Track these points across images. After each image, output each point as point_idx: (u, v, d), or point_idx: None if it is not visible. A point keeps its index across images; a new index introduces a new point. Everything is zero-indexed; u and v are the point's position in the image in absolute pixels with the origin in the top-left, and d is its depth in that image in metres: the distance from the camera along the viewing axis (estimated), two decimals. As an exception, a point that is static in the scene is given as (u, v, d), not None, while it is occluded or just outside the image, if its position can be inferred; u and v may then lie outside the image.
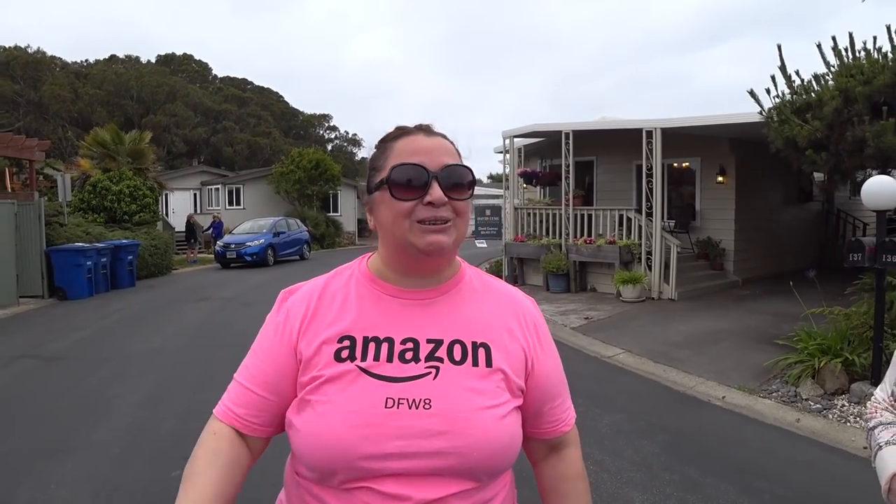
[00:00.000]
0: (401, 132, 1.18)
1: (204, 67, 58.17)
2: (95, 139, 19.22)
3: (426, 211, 1.10)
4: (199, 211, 29.15)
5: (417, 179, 1.11)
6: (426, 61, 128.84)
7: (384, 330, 1.14)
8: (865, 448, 1.99)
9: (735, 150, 12.35)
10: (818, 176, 12.91)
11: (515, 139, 13.95)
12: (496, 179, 50.73)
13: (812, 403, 5.41)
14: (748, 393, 5.80)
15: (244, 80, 58.47)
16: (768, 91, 7.05)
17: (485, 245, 15.71)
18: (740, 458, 4.43)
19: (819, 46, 6.66)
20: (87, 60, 53.27)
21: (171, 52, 56.99)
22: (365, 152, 65.34)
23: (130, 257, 15.10)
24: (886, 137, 5.72)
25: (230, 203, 30.48)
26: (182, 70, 55.72)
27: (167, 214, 26.55)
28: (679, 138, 11.71)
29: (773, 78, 6.96)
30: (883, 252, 5.13)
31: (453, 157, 1.16)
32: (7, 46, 47.23)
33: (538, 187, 15.46)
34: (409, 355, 1.12)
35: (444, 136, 1.19)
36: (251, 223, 22.28)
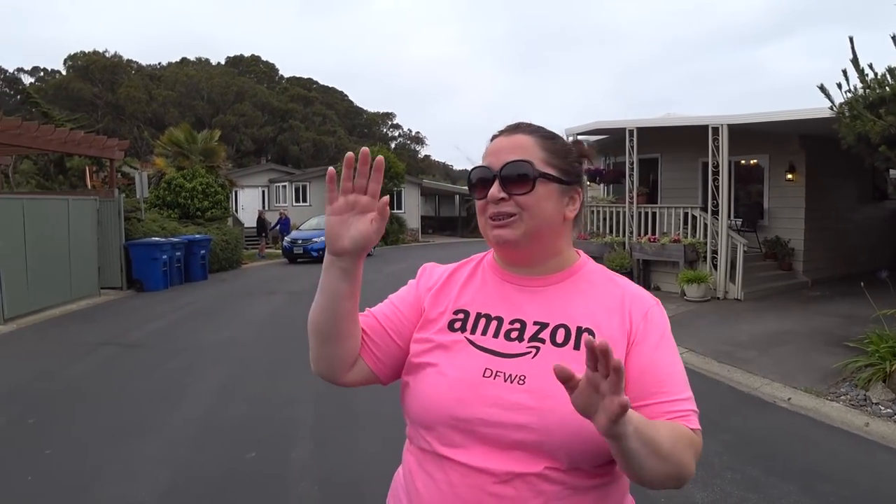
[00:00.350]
0: (494, 135, 1.28)
1: (271, 68, 59.60)
2: (170, 138, 20.06)
3: (491, 207, 1.21)
4: (266, 207, 29.98)
5: (484, 180, 1.22)
6: (489, 58, 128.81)
7: (496, 309, 1.24)
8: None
9: (805, 147, 12.00)
10: (894, 173, 12.47)
11: (579, 136, 13.89)
12: (558, 177, 50.38)
13: (882, 408, 5.27)
14: (815, 395, 5.69)
15: (309, 80, 59.64)
16: (839, 86, 6.87)
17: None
18: (805, 460, 4.39)
19: (894, 38, 6.47)
20: (160, 63, 55.48)
21: (239, 53, 58.69)
22: (428, 150, 65.91)
23: (203, 252, 15.69)
24: (965, 134, 5.54)
25: (297, 200, 31.23)
26: (250, 71, 57.23)
27: (236, 211, 27.38)
28: (746, 135, 11.47)
29: (844, 72, 6.78)
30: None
31: (522, 152, 1.21)
32: (86, 52, 49.52)
33: (602, 185, 15.36)
34: (514, 334, 1.20)
35: (530, 132, 1.25)
36: (318, 219, 22.79)
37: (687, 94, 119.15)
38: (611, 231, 12.88)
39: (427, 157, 65.73)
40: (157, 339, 8.65)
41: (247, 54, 58.79)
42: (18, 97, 44.72)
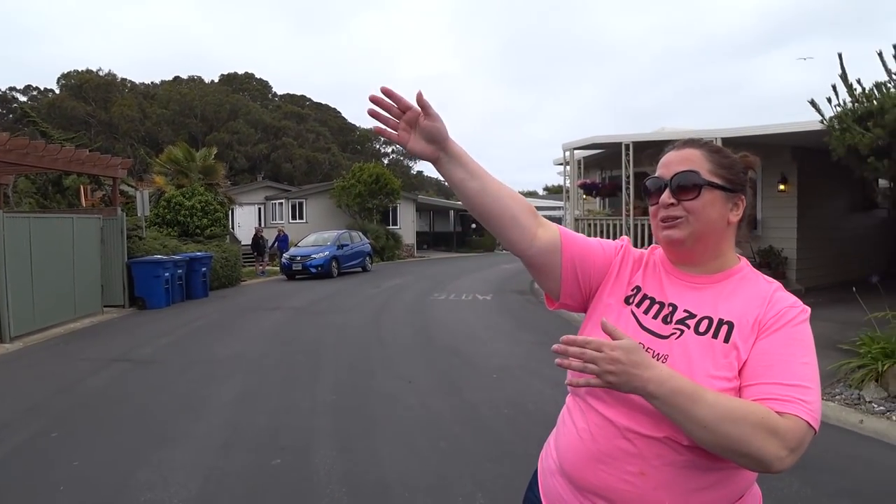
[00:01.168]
0: (664, 150, 1.51)
1: (264, 85, 60.01)
2: (169, 157, 20.28)
3: (662, 211, 1.43)
4: (263, 225, 30.12)
5: (656, 188, 1.45)
6: (483, 74, 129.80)
7: (659, 295, 1.45)
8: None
9: (797, 158, 12.31)
10: (883, 183, 12.78)
11: (575, 151, 14.18)
12: (553, 191, 50.79)
13: (875, 405, 5.52)
14: (812, 396, 5.92)
15: (303, 97, 60.06)
16: (829, 100, 7.16)
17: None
18: (804, 455, 4.58)
19: (880, 54, 6.75)
20: (153, 82, 55.68)
21: (233, 71, 59.14)
22: (421, 166, 66.20)
23: (204, 269, 15.84)
24: (949, 144, 5.82)
25: (293, 217, 31.44)
26: (243, 88, 57.60)
27: (233, 228, 27.52)
28: (739, 147, 11.53)
29: (833, 87, 7.07)
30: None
31: (690, 163, 1.42)
32: (80, 70, 49.80)
33: (598, 198, 15.64)
34: (668, 318, 1.40)
35: (699, 146, 1.46)
36: (316, 236, 22.94)
37: (681, 107, 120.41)
38: (607, 243, 13.15)
39: (420, 172, 66.10)
40: (168, 354, 8.80)
41: (240, 72, 59.21)
42: (11, 116, 44.93)
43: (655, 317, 1.41)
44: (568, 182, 14.42)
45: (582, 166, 14.69)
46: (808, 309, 1.38)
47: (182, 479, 4.35)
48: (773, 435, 1.17)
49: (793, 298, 1.39)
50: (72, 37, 79.10)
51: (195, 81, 55.90)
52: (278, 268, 21.93)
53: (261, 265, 22.45)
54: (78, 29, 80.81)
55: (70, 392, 6.89)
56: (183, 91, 51.67)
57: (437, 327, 10.67)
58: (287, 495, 4.09)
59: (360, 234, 25.06)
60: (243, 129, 49.30)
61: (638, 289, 1.48)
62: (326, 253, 20.94)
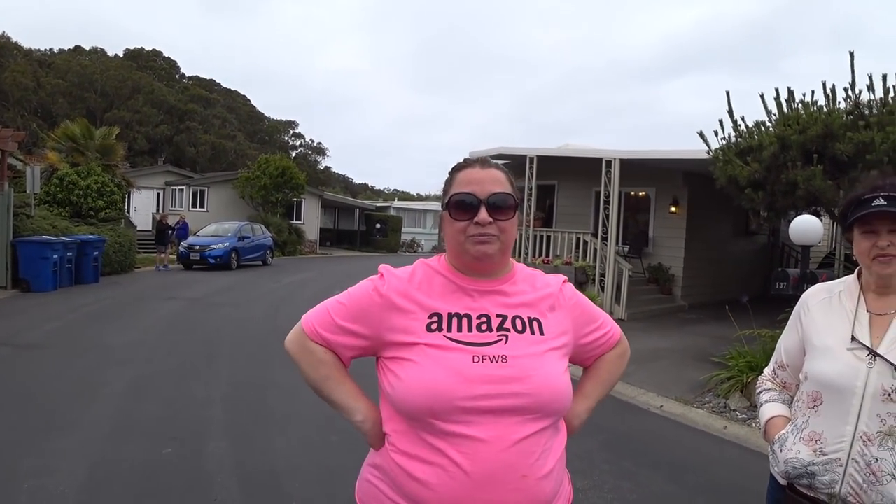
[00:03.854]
0: (462, 165, 1.56)
1: (172, 65, 57.71)
2: (65, 132, 19.29)
3: (476, 228, 1.45)
4: (161, 210, 29.01)
5: (469, 204, 1.47)
6: (396, 75, 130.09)
7: (463, 309, 1.49)
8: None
9: (688, 183, 13.14)
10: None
11: (482, 160, 14.53)
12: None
13: (739, 413, 6.07)
14: (683, 403, 6.44)
15: (211, 81, 58.17)
16: (716, 133, 7.76)
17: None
18: (671, 456, 5.03)
19: (762, 97, 7.41)
20: (51, 49, 52.54)
21: (139, 46, 56.36)
22: (329, 161, 65.50)
23: (96, 253, 15.22)
24: (815, 181, 6.46)
25: (194, 204, 30.43)
26: (149, 66, 55.13)
27: (129, 212, 26.42)
28: (636, 168, 12.43)
29: (720, 122, 7.68)
30: (804, 282, 5.82)
31: (502, 185, 1.49)
32: (-31, 29, 46.34)
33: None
34: (484, 327, 1.46)
35: (498, 167, 1.53)
36: (216, 226, 22.38)
37: (587, 123, 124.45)
38: (509, 251, 13.57)
39: (328, 168, 65.44)
40: (57, 340, 8.47)
41: (147, 48, 56.64)
42: None
43: (470, 330, 1.45)
44: (475, 189, 14.75)
45: (489, 175, 15.07)
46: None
47: (69, 466, 4.28)
48: (623, 355, 1.78)
49: (555, 277, 1.67)
50: (-40, -5, 73.36)
51: (97, 53, 52.97)
52: (175, 256, 21.22)
53: (162, 254, 20.29)
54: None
55: (-55, 374, 6.57)
56: (83, 63, 48.94)
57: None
58: (175, 483, 4.10)
59: (263, 226, 24.62)
60: (146, 109, 47.15)
61: (437, 315, 1.48)
62: (226, 244, 20.48)
